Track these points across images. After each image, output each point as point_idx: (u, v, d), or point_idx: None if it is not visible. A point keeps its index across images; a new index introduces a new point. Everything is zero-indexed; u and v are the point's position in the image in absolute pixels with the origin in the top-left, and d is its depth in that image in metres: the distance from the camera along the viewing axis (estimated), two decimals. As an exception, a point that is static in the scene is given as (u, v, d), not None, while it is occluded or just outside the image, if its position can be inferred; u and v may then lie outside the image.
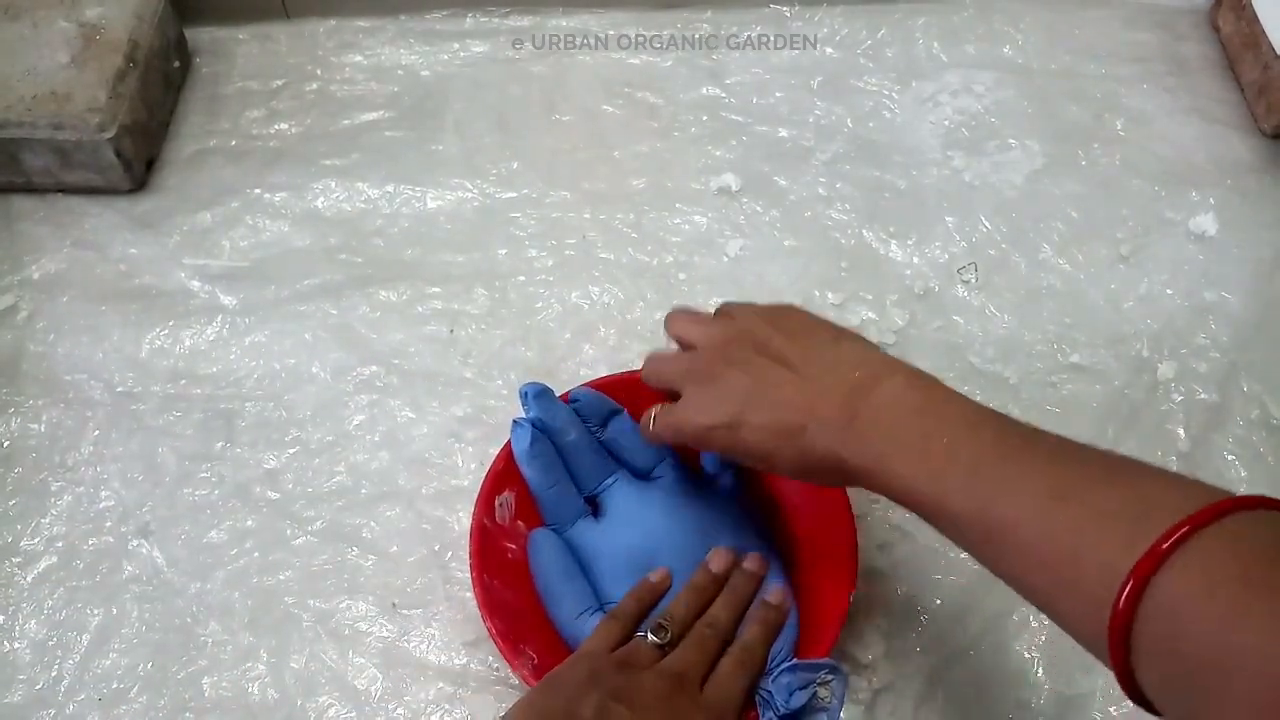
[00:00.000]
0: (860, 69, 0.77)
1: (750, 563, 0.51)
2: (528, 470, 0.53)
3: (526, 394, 0.53)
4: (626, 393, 0.55)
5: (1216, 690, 0.29)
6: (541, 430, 0.53)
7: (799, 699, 0.46)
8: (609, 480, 0.54)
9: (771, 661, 0.48)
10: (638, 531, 0.52)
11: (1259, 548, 0.30)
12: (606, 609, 0.51)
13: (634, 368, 0.54)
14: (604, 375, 0.57)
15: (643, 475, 0.55)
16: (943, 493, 0.38)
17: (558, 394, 0.55)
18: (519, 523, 0.54)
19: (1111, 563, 0.32)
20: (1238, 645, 0.28)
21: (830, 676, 0.46)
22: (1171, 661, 0.30)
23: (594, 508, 0.55)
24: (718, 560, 0.51)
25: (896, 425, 0.41)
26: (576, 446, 0.54)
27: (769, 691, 0.46)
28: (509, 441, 0.54)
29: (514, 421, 0.53)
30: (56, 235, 0.68)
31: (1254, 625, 0.28)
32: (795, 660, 0.47)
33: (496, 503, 0.53)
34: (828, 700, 0.46)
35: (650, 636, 0.47)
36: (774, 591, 0.50)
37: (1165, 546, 0.31)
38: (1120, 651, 0.32)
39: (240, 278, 0.67)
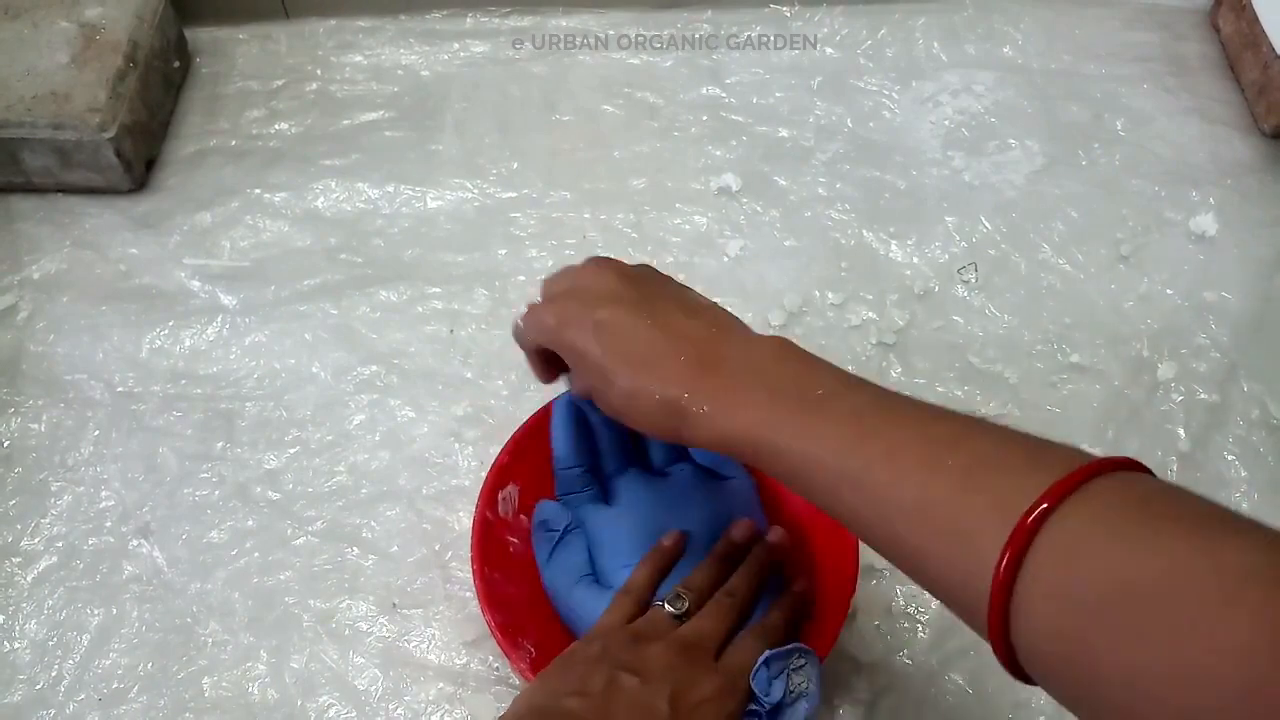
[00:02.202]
0: (860, 69, 0.77)
1: (773, 535, 0.51)
2: (560, 445, 0.53)
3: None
4: None
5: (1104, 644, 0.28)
6: (579, 407, 0.53)
7: (777, 689, 0.46)
8: (626, 469, 0.54)
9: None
10: (646, 521, 0.52)
11: (1128, 508, 0.30)
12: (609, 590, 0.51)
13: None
14: None
15: (659, 471, 0.55)
16: (812, 439, 0.37)
17: None
18: (521, 517, 0.54)
19: (986, 536, 0.31)
20: (1128, 578, 0.28)
21: (802, 660, 0.46)
22: (1056, 618, 0.30)
23: (605, 493, 0.55)
24: (740, 530, 0.51)
25: (763, 371, 0.39)
26: (607, 426, 0.54)
27: (751, 690, 0.46)
28: (514, 434, 0.54)
29: (561, 395, 0.53)
30: (56, 235, 0.68)
31: (1143, 562, 0.28)
32: (767, 653, 0.47)
33: (499, 497, 0.53)
34: (805, 685, 0.46)
35: (667, 606, 0.47)
36: (800, 580, 0.51)
37: (1030, 521, 0.30)
38: (999, 616, 0.31)
39: (240, 278, 0.67)
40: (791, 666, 0.46)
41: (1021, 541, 0.30)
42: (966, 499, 0.33)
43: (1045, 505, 0.30)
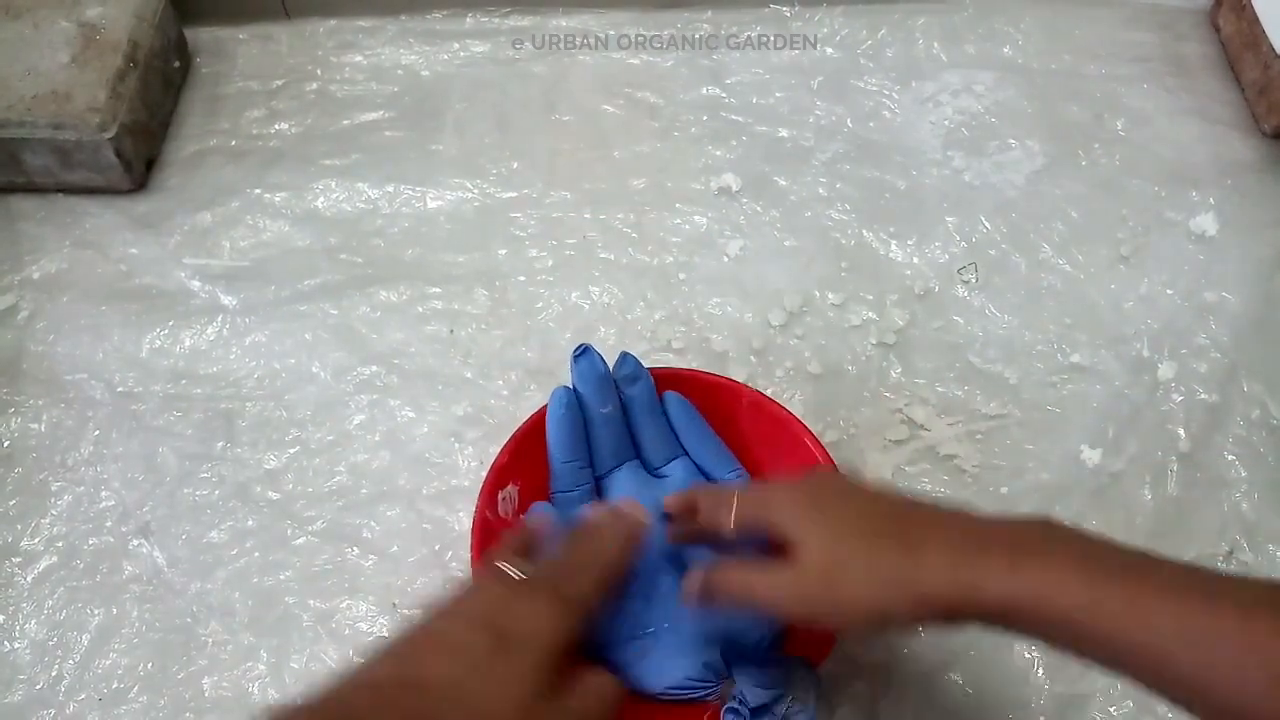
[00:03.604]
0: (860, 69, 0.77)
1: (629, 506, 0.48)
2: (553, 438, 0.53)
3: (577, 356, 0.53)
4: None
5: None
6: (580, 400, 0.53)
7: (760, 697, 0.46)
8: (620, 465, 0.54)
9: (751, 648, 0.48)
10: None
11: None
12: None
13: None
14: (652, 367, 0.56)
15: (653, 469, 0.55)
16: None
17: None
18: (521, 517, 0.54)
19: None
20: None
21: (809, 679, 0.46)
22: None
23: (598, 489, 0.55)
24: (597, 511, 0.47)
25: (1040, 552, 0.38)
26: (607, 421, 0.54)
27: (740, 690, 0.46)
28: (514, 435, 0.54)
29: (557, 389, 0.53)
30: (56, 235, 0.68)
31: None
32: (772, 657, 0.47)
33: (500, 497, 0.53)
34: (806, 700, 0.46)
35: (508, 568, 0.41)
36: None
37: None
38: None
39: (240, 278, 0.67)
40: (790, 696, 0.46)
41: None
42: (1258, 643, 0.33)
43: None
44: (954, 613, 0.38)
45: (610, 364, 0.54)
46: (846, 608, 0.39)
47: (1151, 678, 0.35)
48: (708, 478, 0.55)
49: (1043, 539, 0.38)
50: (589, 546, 0.43)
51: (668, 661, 0.49)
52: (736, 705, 0.46)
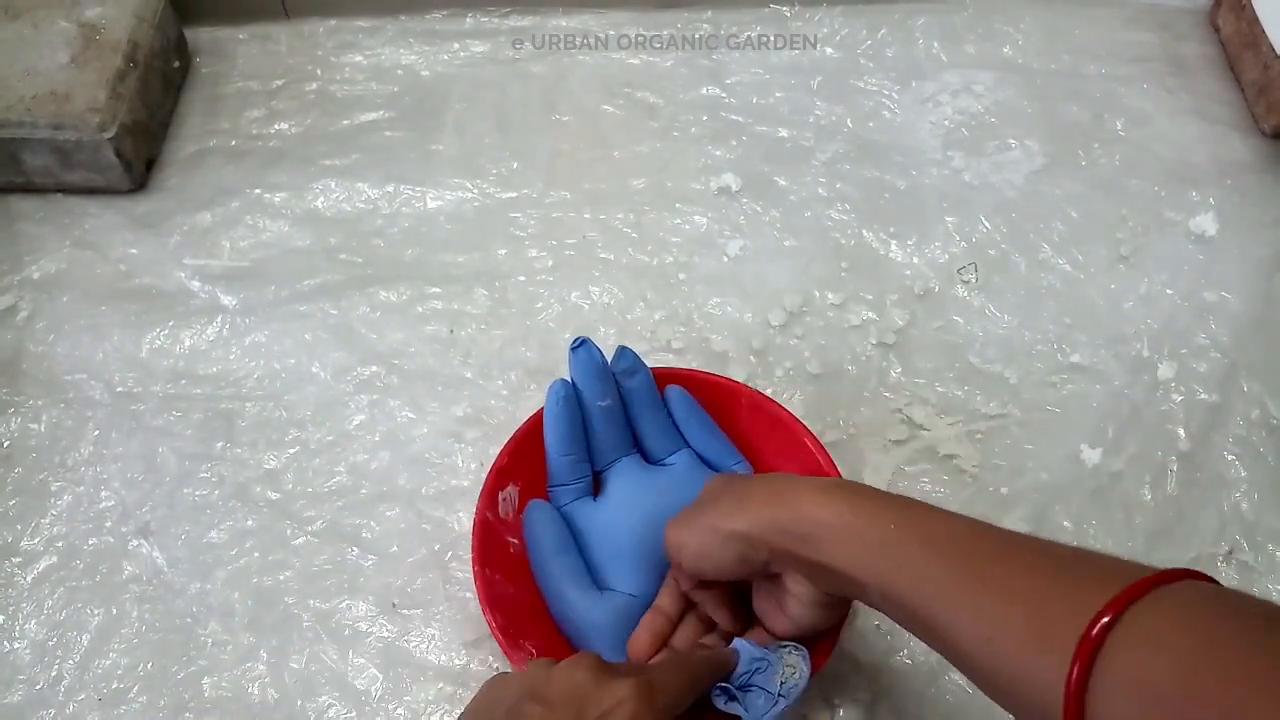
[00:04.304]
0: (860, 69, 0.77)
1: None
2: (550, 431, 0.53)
3: (575, 348, 0.53)
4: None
5: None
6: (578, 393, 0.53)
7: (751, 666, 0.46)
8: (619, 458, 0.54)
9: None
10: (637, 515, 0.52)
11: (1198, 622, 0.31)
12: (603, 590, 0.51)
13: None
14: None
15: (655, 460, 0.55)
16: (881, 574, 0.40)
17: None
18: (521, 518, 0.54)
19: (1043, 674, 0.33)
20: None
21: (794, 654, 0.47)
22: None
23: (597, 484, 0.55)
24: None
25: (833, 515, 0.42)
26: (605, 414, 0.54)
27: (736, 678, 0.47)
28: (514, 435, 0.54)
29: (555, 382, 0.53)
30: (56, 235, 0.68)
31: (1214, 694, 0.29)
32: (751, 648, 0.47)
33: (500, 497, 0.53)
34: (794, 675, 0.46)
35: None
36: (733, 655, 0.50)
37: (1094, 633, 0.32)
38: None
39: (240, 278, 0.67)
40: (785, 662, 0.47)
41: (1087, 654, 0.32)
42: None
43: (1107, 618, 0.32)
44: (775, 548, 0.43)
45: (608, 358, 0.54)
46: (689, 560, 0.46)
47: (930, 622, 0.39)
48: (712, 468, 0.55)
49: (854, 487, 0.44)
50: (682, 659, 0.47)
51: None
52: (723, 684, 0.46)
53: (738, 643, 0.47)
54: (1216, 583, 0.33)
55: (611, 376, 0.54)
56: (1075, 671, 0.31)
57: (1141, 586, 0.32)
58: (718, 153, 0.73)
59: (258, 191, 0.71)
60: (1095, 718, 0.31)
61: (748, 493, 0.45)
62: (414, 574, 0.56)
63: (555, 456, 0.54)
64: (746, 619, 0.50)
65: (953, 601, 0.37)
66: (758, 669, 0.46)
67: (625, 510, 0.53)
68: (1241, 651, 0.29)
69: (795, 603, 0.45)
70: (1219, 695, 0.29)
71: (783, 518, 0.43)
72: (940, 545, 0.39)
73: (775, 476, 0.48)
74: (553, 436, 0.53)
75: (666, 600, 0.51)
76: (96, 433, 0.61)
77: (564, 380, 0.53)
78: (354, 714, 0.52)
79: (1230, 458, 0.60)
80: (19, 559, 0.57)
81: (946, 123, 0.74)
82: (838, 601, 0.46)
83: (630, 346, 0.54)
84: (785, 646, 0.47)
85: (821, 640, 0.48)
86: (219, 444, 0.61)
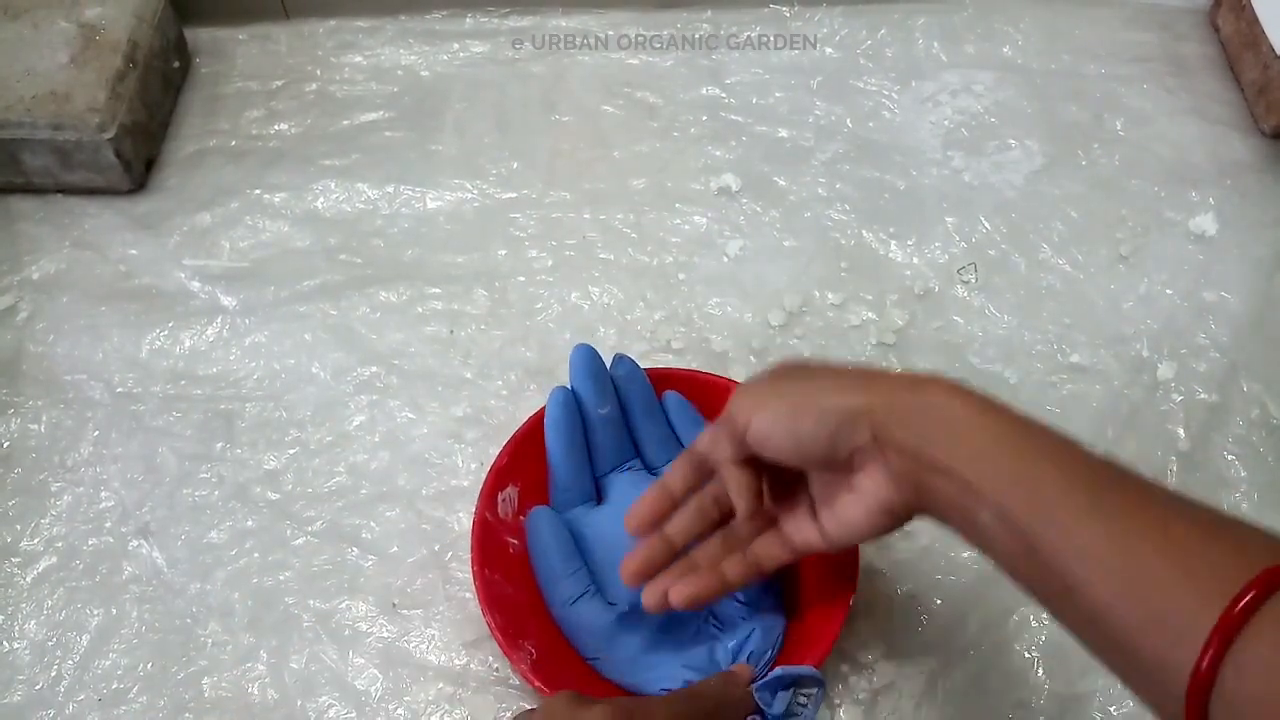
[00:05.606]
0: (860, 69, 0.77)
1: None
2: (551, 439, 0.53)
3: (574, 359, 0.53)
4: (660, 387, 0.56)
5: None
6: (578, 400, 0.53)
7: (780, 703, 0.46)
8: (621, 466, 0.54)
9: (757, 665, 0.48)
10: None
11: None
12: (605, 597, 0.51)
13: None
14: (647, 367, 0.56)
15: (655, 470, 0.55)
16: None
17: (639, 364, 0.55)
18: (521, 519, 0.54)
19: (1186, 624, 0.30)
20: None
21: (814, 688, 0.46)
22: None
23: (599, 492, 0.55)
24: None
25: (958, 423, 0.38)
26: (606, 422, 0.54)
27: (759, 698, 0.46)
28: (514, 435, 0.54)
29: (555, 389, 0.53)
30: (56, 235, 0.68)
31: None
32: (783, 669, 0.47)
33: (499, 498, 0.53)
34: (805, 704, 0.46)
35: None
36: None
37: (1239, 610, 0.29)
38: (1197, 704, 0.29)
39: (240, 278, 0.67)
40: (804, 693, 0.46)
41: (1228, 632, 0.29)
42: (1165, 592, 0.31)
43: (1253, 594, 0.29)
44: (885, 435, 0.38)
45: (607, 364, 0.54)
46: (759, 428, 0.41)
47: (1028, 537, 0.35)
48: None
49: (983, 392, 0.40)
50: (685, 692, 0.46)
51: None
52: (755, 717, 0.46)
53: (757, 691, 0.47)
54: None
55: (611, 384, 0.54)
56: (1224, 622, 0.28)
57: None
58: (717, 153, 0.73)
59: (257, 192, 0.71)
60: (1227, 681, 0.29)
61: (855, 371, 0.41)
62: (414, 574, 0.56)
63: (557, 464, 0.54)
64: (761, 519, 0.47)
65: (1091, 539, 0.33)
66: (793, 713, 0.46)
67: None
68: None
69: (854, 505, 0.41)
70: None
71: (908, 402, 0.38)
72: (1081, 474, 0.35)
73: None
74: (554, 444, 0.53)
75: (675, 478, 0.47)
76: (96, 433, 0.61)
77: (564, 387, 0.53)
78: (354, 714, 0.52)
79: (1230, 458, 0.60)
80: (19, 559, 0.57)
81: (946, 123, 0.74)
82: (895, 519, 0.41)
83: (631, 350, 0.54)
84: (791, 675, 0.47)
85: (822, 640, 0.48)
86: (219, 444, 0.61)
